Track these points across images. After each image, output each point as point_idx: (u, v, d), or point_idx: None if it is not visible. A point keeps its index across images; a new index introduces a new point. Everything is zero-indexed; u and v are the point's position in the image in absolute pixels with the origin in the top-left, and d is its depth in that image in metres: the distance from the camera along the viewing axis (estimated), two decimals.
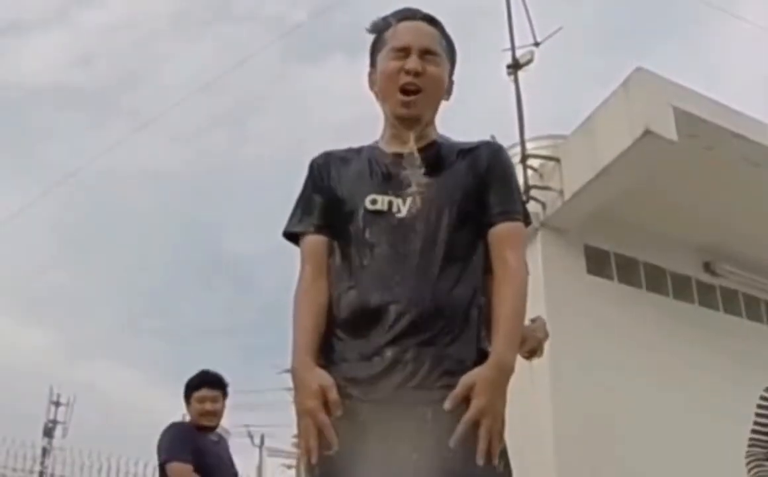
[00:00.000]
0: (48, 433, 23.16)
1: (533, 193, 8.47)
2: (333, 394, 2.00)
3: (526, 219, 2.29)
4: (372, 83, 2.39)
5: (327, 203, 2.27)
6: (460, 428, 1.92)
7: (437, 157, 2.27)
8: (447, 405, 1.95)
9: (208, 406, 5.07)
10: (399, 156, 2.27)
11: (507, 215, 2.22)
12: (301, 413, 2.02)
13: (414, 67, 2.25)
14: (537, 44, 9.57)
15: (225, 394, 5.22)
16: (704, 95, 7.90)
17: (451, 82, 2.40)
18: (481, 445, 1.93)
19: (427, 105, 2.30)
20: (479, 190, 2.22)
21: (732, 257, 9.48)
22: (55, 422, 23.79)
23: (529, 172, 8.61)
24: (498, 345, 2.04)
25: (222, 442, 5.36)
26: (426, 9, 2.40)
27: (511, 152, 10.91)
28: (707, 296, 9.44)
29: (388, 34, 2.34)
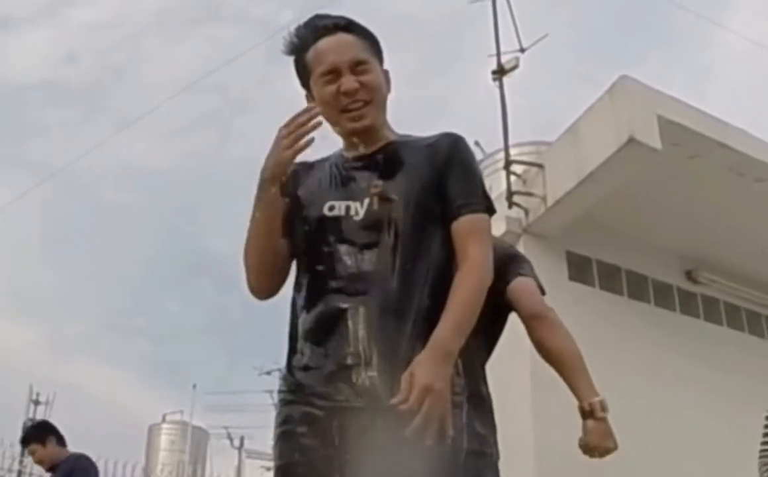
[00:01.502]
0: None
1: (516, 199, 8.46)
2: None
3: (490, 208, 2.27)
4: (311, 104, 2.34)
5: (289, 214, 2.27)
6: (407, 415, 1.88)
7: (394, 156, 2.26)
8: (393, 400, 1.91)
9: (34, 459, 5.79)
10: (357, 159, 2.28)
11: (469, 207, 2.20)
12: (273, 153, 2.14)
13: (350, 88, 2.23)
14: (523, 50, 9.57)
15: (40, 440, 5.79)
16: (689, 104, 7.92)
17: (385, 73, 2.38)
18: (418, 420, 1.88)
19: (376, 111, 2.28)
20: (439, 183, 2.20)
21: (714, 266, 9.51)
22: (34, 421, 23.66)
23: (513, 178, 8.61)
24: (440, 328, 2.01)
25: (61, 467, 5.79)
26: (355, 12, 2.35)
27: (494, 158, 10.94)
28: (688, 304, 9.46)
29: (310, 56, 2.30)
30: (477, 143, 12.12)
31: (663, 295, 9.22)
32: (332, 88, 2.24)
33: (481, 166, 11.97)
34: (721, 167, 8.02)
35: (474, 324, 2.08)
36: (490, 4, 9.72)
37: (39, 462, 5.78)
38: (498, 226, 8.70)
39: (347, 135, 2.31)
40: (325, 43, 2.29)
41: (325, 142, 2.34)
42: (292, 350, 2.17)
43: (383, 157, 2.26)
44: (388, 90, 2.36)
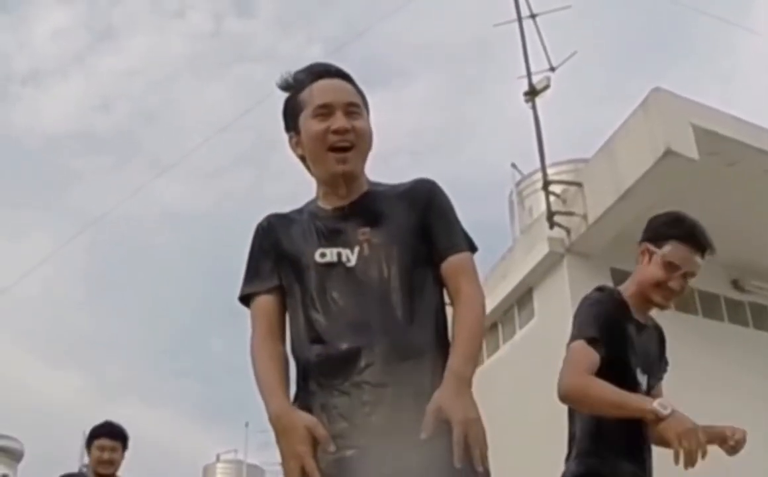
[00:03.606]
0: None
1: (557, 219, 8.46)
2: (320, 431, 2.01)
3: (472, 247, 2.33)
4: (294, 146, 2.37)
5: (276, 264, 2.29)
6: (458, 450, 1.92)
7: (375, 204, 2.30)
8: (423, 435, 1.95)
9: (106, 455, 5.14)
10: (339, 209, 2.29)
11: (453, 249, 2.25)
12: (289, 457, 2.01)
13: (342, 126, 2.25)
14: (553, 69, 9.60)
15: (125, 446, 5.28)
16: (723, 112, 7.90)
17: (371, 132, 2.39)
18: (476, 453, 1.94)
19: (360, 159, 2.31)
20: (422, 227, 2.26)
21: (760, 272, 9.43)
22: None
23: (552, 198, 8.61)
24: (453, 361, 2.06)
25: None
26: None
27: (532, 179, 10.91)
28: (736, 313, 9.39)
29: (305, 95, 2.32)
30: (513, 165, 12.14)
31: (710, 306, 9.15)
32: (323, 124, 2.26)
33: (519, 188, 11.98)
34: (759, 172, 7.99)
35: (479, 354, 2.14)
36: (516, 26, 9.79)
37: (110, 461, 5.16)
38: (540, 248, 8.70)
39: (328, 178, 2.32)
40: (323, 82, 2.33)
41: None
42: (305, 392, 2.15)
43: (365, 206, 2.29)
44: (371, 146, 2.37)
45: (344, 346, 2.09)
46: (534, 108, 9.30)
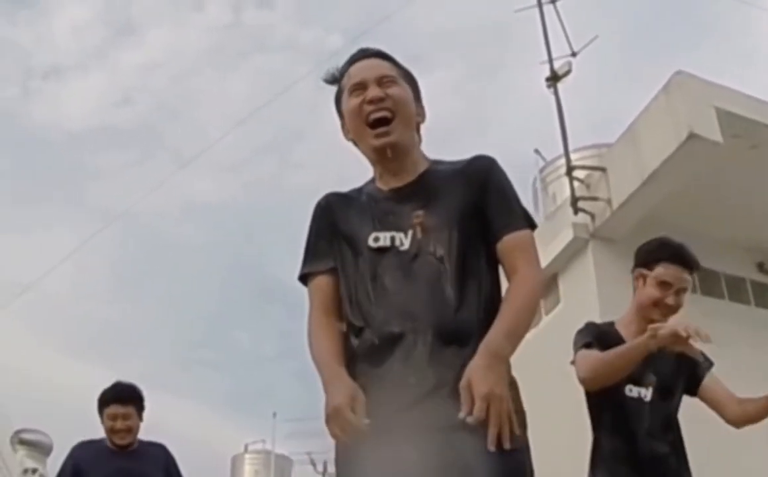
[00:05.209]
0: None
1: (581, 204, 8.44)
2: (360, 396, 2.02)
3: (531, 224, 2.29)
4: (345, 133, 2.40)
5: (331, 244, 2.31)
6: (470, 420, 1.90)
7: (430, 185, 2.29)
8: (461, 415, 1.92)
9: (119, 423, 4.63)
10: (395, 191, 2.30)
11: (510, 227, 2.22)
12: (330, 413, 2.01)
13: (375, 95, 2.27)
14: (574, 54, 9.60)
15: (140, 408, 4.76)
16: (746, 94, 7.85)
17: (420, 106, 2.41)
18: (492, 430, 1.91)
19: (403, 127, 2.30)
20: (479, 207, 2.23)
21: None
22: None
23: (576, 183, 8.60)
24: (490, 335, 2.05)
25: (144, 451, 4.80)
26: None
27: (556, 165, 10.87)
28: (763, 296, 9.32)
29: (345, 81, 2.37)
30: (537, 151, 12.11)
31: (736, 290, 9.10)
32: (358, 99, 2.29)
33: (543, 174, 11.96)
34: None
35: (526, 333, 2.12)
36: (537, 12, 9.78)
37: (125, 430, 4.64)
38: (565, 234, 8.70)
39: (373, 154, 2.33)
40: (359, 63, 2.37)
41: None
42: (350, 376, 2.13)
43: (420, 188, 2.29)
44: (421, 119, 2.40)
45: (388, 331, 2.10)
46: (556, 93, 9.31)
